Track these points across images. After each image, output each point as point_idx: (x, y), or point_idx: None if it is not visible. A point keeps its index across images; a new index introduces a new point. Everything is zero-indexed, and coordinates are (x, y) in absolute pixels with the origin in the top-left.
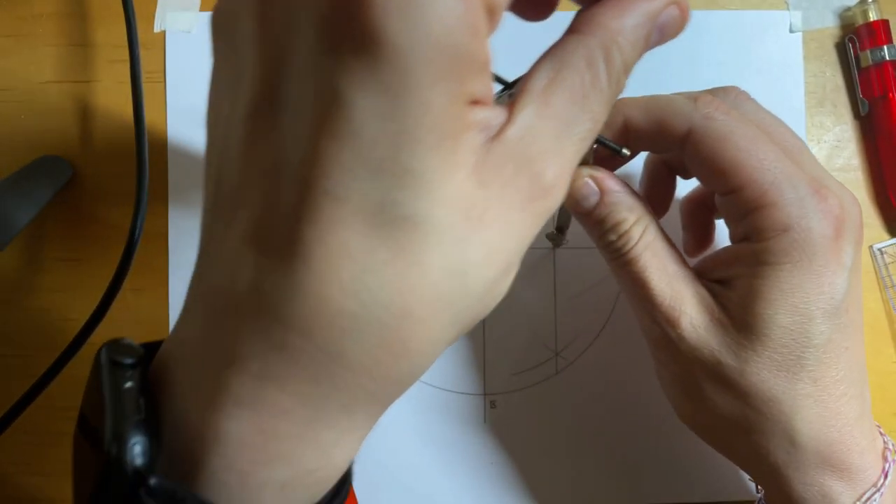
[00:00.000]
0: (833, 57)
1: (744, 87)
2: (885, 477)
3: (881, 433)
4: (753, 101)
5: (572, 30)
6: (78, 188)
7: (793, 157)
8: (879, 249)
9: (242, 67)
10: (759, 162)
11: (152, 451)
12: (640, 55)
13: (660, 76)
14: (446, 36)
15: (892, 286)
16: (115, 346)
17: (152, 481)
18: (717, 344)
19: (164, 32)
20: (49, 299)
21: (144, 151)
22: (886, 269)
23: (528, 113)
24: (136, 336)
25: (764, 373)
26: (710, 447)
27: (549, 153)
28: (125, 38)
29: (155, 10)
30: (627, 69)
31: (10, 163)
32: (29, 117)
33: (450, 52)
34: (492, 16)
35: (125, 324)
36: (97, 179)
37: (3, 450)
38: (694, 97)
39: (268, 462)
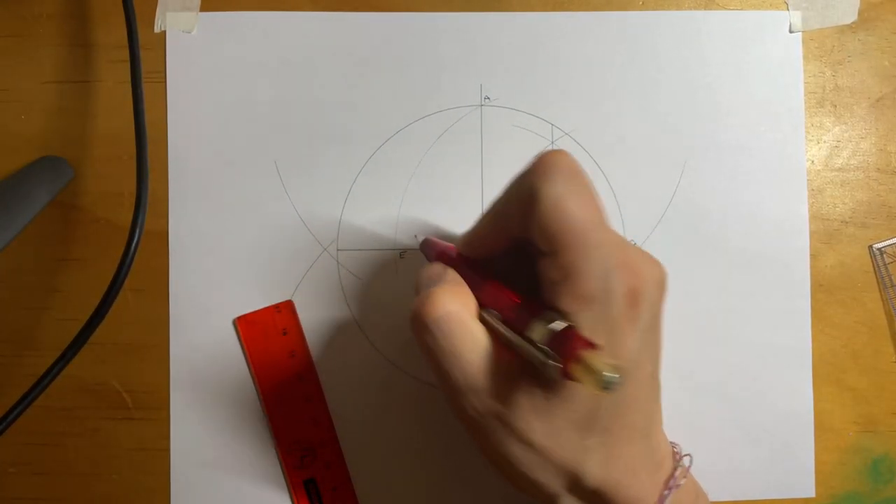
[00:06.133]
0: (832, 57)
1: (743, 87)
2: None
3: (677, 454)
4: None
5: None
6: (78, 188)
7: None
8: (879, 249)
9: None
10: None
11: None
12: None
13: (659, 76)
14: None
15: (892, 286)
16: None
17: None
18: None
19: (164, 33)
20: (49, 299)
21: (145, 152)
22: (886, 269)
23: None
24: (137, 336)
25: (563, 431)
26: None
27: None
28: (125, 38)
29: (155, 11)
30: None
31: (11, 163)
32: (29, 117)
33: None
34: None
35: (125, 324)
36: (97, 179)
37: (3, 450)
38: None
39: None
